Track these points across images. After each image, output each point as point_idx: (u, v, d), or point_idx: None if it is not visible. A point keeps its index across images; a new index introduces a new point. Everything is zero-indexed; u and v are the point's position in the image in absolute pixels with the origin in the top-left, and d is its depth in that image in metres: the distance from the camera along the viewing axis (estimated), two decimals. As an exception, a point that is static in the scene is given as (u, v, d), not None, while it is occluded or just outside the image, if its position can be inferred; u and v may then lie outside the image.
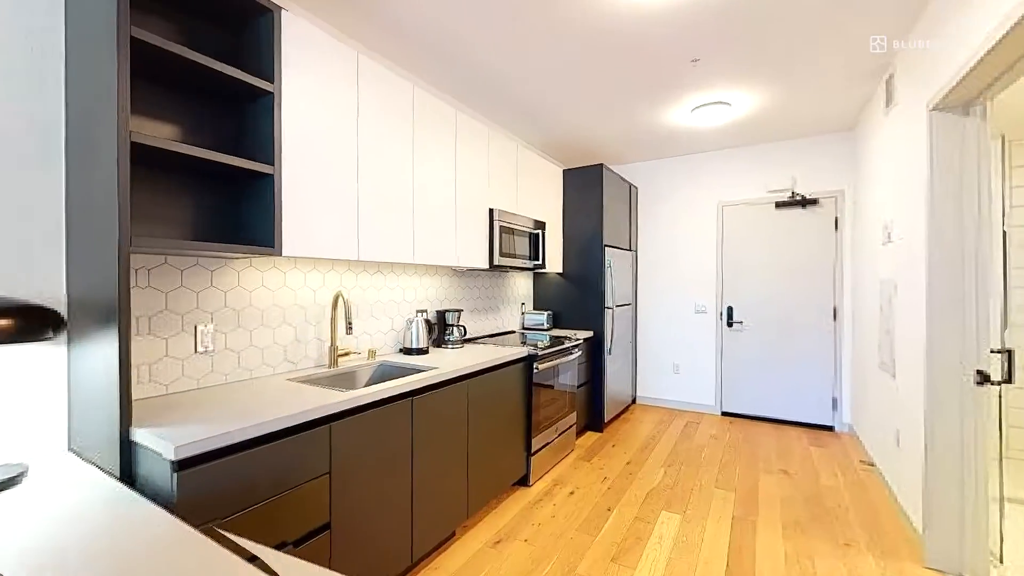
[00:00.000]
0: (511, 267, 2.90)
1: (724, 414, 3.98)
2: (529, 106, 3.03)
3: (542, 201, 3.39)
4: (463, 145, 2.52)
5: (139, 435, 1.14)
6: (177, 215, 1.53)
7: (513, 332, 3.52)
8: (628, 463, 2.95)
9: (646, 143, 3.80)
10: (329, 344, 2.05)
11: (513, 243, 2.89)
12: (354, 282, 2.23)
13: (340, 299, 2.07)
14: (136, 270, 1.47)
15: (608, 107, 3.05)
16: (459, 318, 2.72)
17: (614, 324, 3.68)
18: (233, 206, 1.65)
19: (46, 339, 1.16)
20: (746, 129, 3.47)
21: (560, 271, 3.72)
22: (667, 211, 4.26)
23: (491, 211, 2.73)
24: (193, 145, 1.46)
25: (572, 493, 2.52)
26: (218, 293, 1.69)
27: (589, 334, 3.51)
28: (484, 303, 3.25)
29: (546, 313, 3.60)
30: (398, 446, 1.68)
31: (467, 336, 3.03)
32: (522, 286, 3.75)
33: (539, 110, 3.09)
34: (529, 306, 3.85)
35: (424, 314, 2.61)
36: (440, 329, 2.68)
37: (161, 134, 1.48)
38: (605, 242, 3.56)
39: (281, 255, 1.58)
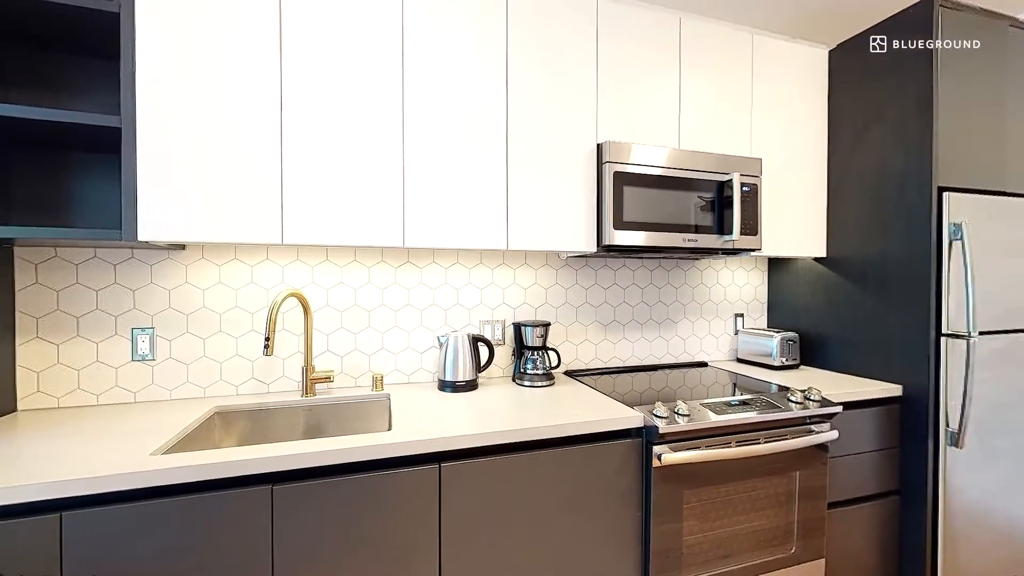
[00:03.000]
0: (652, 249, 1.54)
1: None
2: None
3: (763, 119, 1.75)
4: (520, 10, 1.44)
5: None
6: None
7: (705, 365, 2.00)
8: None
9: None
10: (304, 364, 1.47)
11: (667, 203, 1.53)
12: (364, 277, 1.58)
13: (302, 302, 1.43)
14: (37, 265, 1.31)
15: None
16: (545, 337, 1.63)
17: (972, 373, 1.54)
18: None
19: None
20: None
21: (821, 254, 1.88)
22: None
23: (599, 148, 1.51)
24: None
25: None
26: (160, 291, 1.40)
27: (889, 390, 1.59)
28: (642, 312, 1.94)
29: (778, 336, 1.88)
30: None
31: (578, 367, 1.86)
32: (738, 283, 2.12)
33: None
34: (764, 319, 2.16)
35: (495, 326, 1.69)
36: (518, 354, 1.67)
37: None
38: (942, 183, 1.53)
39: (136, 240, 1.12)
